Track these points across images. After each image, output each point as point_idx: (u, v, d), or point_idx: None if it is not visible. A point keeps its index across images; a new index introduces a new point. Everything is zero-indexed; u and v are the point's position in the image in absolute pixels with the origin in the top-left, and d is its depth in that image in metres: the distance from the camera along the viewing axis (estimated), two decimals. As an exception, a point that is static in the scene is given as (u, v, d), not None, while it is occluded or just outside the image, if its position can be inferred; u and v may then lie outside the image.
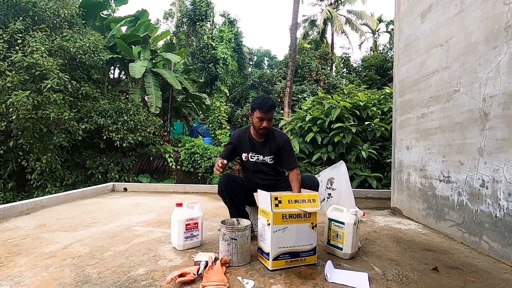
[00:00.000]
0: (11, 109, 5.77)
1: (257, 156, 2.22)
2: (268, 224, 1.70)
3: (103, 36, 8.60)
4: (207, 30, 12.66)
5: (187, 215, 2.02)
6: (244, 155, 2.25)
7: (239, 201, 2.12)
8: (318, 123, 5.27)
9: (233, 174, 2.16)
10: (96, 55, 7.47)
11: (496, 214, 2.00)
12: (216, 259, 1.74)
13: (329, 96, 5.85)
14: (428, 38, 2.89)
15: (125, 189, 4.72)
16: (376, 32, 24.11)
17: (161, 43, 14.22)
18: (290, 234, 1.73)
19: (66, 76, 6.54)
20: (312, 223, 1.78)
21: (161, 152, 9.58)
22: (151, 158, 9.49)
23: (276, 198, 1.71)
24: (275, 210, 1.68)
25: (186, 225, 1.99)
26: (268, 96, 2.18)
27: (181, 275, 1.50)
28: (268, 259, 1.69)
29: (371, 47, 24.30)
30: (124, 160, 8.86)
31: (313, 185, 2.15)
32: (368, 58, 20.30)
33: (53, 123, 6.50)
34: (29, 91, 5.95)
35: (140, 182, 8.76)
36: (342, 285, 1.54)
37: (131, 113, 8.34)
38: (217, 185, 2.19)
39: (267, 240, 1.71)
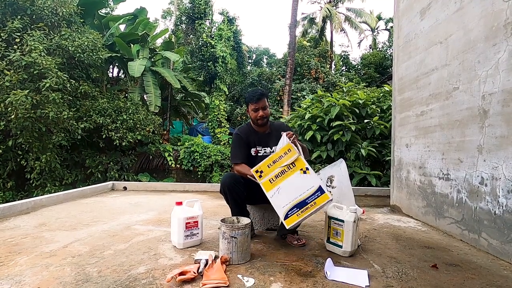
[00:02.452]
0: (9, 108, 5.76)
1: (264, 149, 2.23)
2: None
3: (101, 35, 8.56)
4: (206, 28, 12.61)
5: (187, 214, 2.02)
6: (252, 150, 2.24)
7: (241, 200, 2.12)
8: (317, 121, 5.27)
9: (235, 174, 2.15)
10: (94, 53, 7.45)
11: (495, 211, 2.01)
12: (216, 257, 1.74)
13: (329, 94, 5.85)
14: (427, 36, 2.89)
15: (125, 188, 4.72)
16: (375, 30, 24.09)
17: (159, 41, 14.18)
18: (285, 190, 1.78)
19: (64, 75, 6.52)
20: (301, 169, 1.79)
21: (160, 151, 9.58)
22: (151, 157, 9.48)
23: (257, 171, 1.82)
24: (261, 181, 1.81)
25: (186, 223, 2.00)
26: (256, 88, 2.24)
27: (181, 274, 1.50)
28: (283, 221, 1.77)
29: (370, 45, 24.29)
30: (124, 159, 8.85)
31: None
32: (367, 56, 20.30)
33: (52, 122, 6.49)
34: (27, 90, 5.94)
35: (140, 181, 8.76)
36: (342, 282, 1.54)
37: (130, 112, 8.32)
38: (217, 184, 2.19)
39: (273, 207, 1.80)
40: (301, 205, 1.76)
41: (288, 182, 1.79)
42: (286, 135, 1.96)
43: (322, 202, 1.74)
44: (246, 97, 2.22)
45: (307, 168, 1.77)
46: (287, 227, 1.76)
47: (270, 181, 1.80)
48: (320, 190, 1.76)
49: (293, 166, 1.79)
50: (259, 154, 2.23)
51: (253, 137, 2.26)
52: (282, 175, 1.80)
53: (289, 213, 1.76)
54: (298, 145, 1.94)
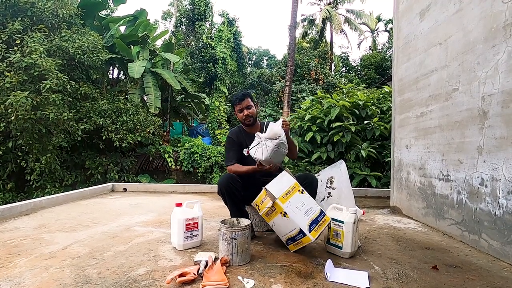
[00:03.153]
0: (10, 110, 5.76)
1: None
2: None
3: (101, 36, 8.58)
4: (206, 29, 12.65)
5: (187, 215, 2.02)
6: (245, 151, 2.28)
7: (239, 201, 2.13)
8: (317, 122, 5.28)
9: (232, 174, 2.15)
10: (95, 55, 7.45)
11: (495, 212, 2.01)
12: (216, 258, 1.74)
13: (328, 96, 5.86)
14: (427, 37, 2.89)
15: (125, 189, 4.72)
16: (375, 31, 24.11)
17: (159, 42, 14.20)
18: (278, 226, 1.92)
19: (65, 76, 6.53)
20: (281, 213, 1.83)
21: (160, 152, 9.58)
22: (151, 158, 9.48)
23: (256, 204, 1.95)
24: (260, 213, 1.94)
25: (186, 225, 1.99)
26: (240, 90, 2.31)
27: (181, 275, 1.50)
28: None
29: (370, 46, 24.30)
30: (124, 160, 8.84)
31: (311, 184, 2.15)
32: (367, 57, 20.31)
33: (52, 124, 6.49)
34: (28, 92, 5.94)
35: (140, 182, 8.75)
36: (342, 284, 1.54)
37: (130, 113, 8.32)
38: (216, 185, 2.19)
39: None
40: (292, 239, 1.88)
41: (276, 220, 1.88)
42: (282, 122, 2.03)
43: (306, 242, 1.81)
44: (231, 101, 2.30)
45: (285, 213, 1.80)
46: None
47: (266, 215, 1.91)
48: (301, 233, 1.79)
49: (274, 210, 1.85)
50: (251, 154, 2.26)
51: (244, 138, 2.29)
52: (269, 214, 1.89)
53: (288, 242, 1.93)
54: (286, 143, 2.01)
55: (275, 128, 1.99)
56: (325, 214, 1.91)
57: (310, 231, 1.78)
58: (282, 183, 1.90)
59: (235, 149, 2.29)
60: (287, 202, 1.82)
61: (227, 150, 2.33)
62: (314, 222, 1.83)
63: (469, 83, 2.28)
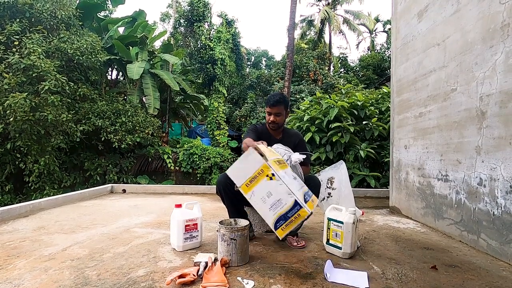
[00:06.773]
0: (8, 111, 5.75)
1: None
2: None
3: (100, 37, 8.58)
4: (205, 30, 12.64)
5: (186, 216, 2.02)
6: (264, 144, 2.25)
7: (237, 201, 2.11)
8: (316, 123, 5.28)
9: None
10: (93, 56, 7.45)
11: (493, 212, 2.02)
12: (215, 259, 1.74)
13: (327, 96, 5.87)
14: (425, 38, 2.91)
15: (124, 191, 4.71)
16: (374, 32, 24.20)
17: (158, 43, 14.21)
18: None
19: (63, 77, 6.52)
20: (267, 176, 1.50)
21: (159, 153, 9.56)
22: (150, 159, 9.46)
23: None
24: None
25: (186, 226, 1.99)
26: (278, 93, 2.29)
27: (181, 276, 1.50)
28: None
29: (368, 47, 24.39)
30: (123, 162, 8.83)
31: (315, 186, 2.15)
32: (366, 57, 20.37)
33: (50, 125, 6.47)
34: (26, 93, 5.93)
35: (139, 183, 8.73)
36: (342, 284, 1.54)
37: (129, 114, 8.31)
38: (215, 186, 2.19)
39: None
40: (284, 218, 1.55)
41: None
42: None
43: (304, 215, 1.55)
44: (265, 99, 2.31)
45: (272, 174, 1.49)
46: (280, 239, 1.64)
47: (246, 187, 1.58)
48: (297, 205, 1.53)
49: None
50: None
51: (265, 137, 2.24)
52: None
53: (277, 225, 1.57)
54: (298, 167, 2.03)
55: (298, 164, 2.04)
56: (300, 207, 1.51)
57: (276, 228, 1.49)
58: (247, 165, 1.54)
59: (253, 135, 2.22)
60: (251, 192, 1.50)
61: (247, 132, 2.26)
62: (283, 219, 1.50)
63: (467, 84, 2.29)
